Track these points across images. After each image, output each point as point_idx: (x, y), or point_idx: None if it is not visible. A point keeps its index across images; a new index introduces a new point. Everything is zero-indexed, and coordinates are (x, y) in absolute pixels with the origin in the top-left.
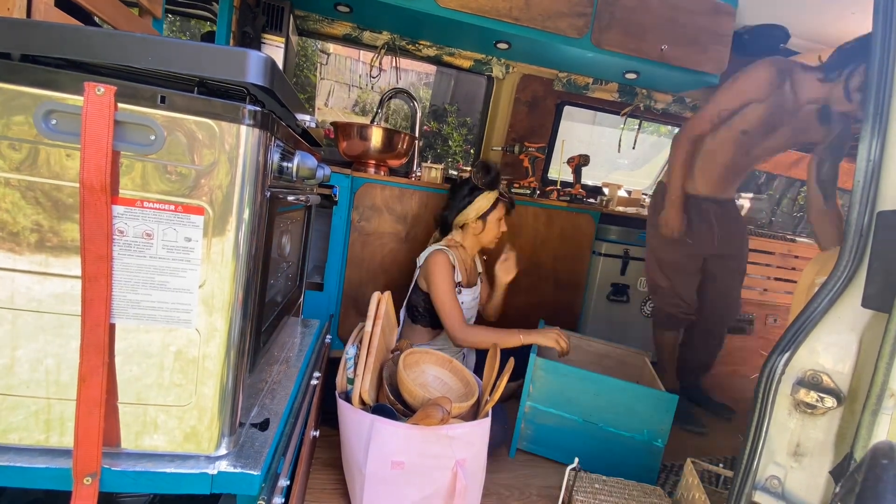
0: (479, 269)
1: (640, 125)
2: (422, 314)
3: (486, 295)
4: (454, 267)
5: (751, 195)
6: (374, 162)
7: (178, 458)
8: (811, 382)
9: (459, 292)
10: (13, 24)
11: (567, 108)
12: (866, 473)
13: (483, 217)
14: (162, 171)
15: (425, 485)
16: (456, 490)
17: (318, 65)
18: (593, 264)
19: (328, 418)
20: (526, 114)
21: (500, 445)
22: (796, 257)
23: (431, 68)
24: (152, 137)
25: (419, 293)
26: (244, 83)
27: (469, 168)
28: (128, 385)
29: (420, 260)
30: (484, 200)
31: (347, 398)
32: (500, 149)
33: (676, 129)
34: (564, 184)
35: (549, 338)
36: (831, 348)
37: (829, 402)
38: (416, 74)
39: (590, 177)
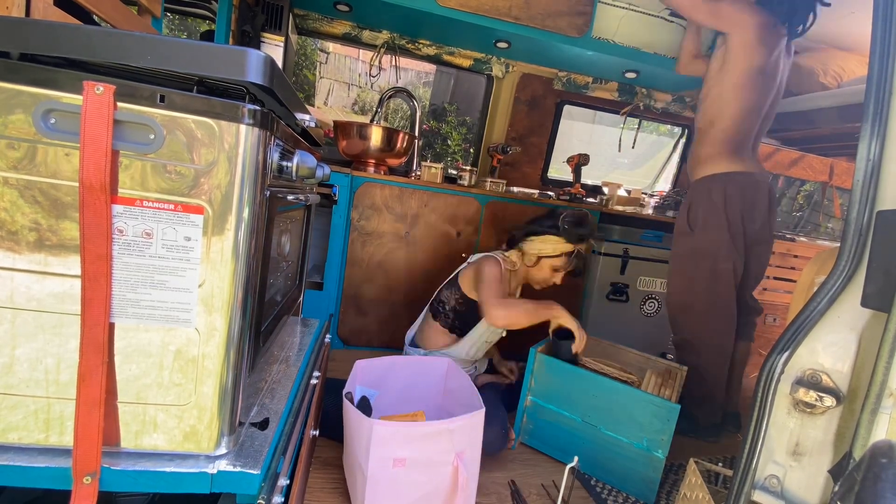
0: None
1: (639, 124)
2: (446, 313)
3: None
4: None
5: None
6: (373, 161)
7: (178, 458)
8: (810, 382)
9: None
10: (12, 23)
11: (567, 108)
12: (865, 472)
13: (542, 257)
14: (161, 171)
15: (427, 481)
16: (459, 483)
17: (318, 64)
18: (593, 263)
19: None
20: (526, 113)
21: (499, 451)
22: (796, 257)
23: (431, 67)
24: (151, 136)
25: (455, 291)
26: (244, 82)
27: (469, 167)
28: (127, 384)
29: (473, 258)
30: (551, 245)
31: (351, 399)
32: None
33: (676, 129)
34: (564, 183)
35: (573, 324)
36: (830, 348)
37: (829, 401)
38: (415, 73)
39: (589, 176)
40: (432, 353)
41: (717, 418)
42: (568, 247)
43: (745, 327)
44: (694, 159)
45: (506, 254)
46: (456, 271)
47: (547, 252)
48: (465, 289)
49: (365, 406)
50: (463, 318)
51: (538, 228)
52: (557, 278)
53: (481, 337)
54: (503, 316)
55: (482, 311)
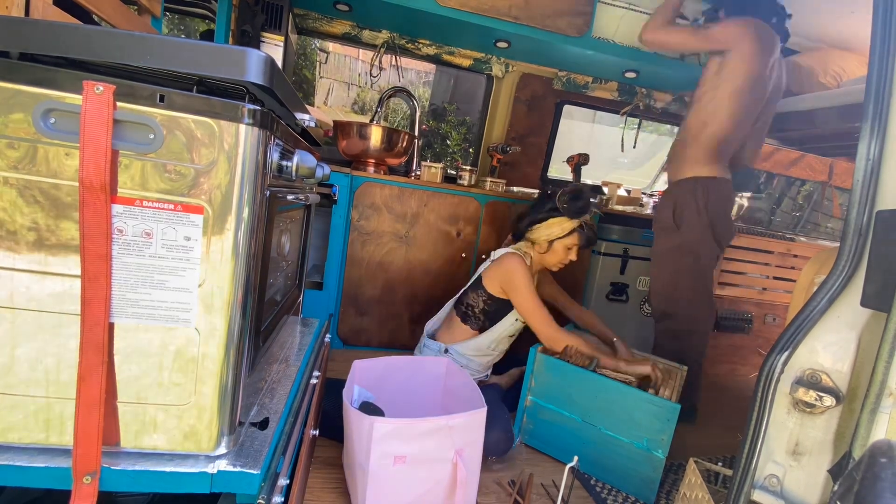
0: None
1: (639, 124)
2: (476, 316)
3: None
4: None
5: (750, 194)
6: (373, 161)
7: (178, 458)
8: (810, 381)
9: None
10: (12, 23)
11: (567, 107)
12: (865, 472)
13: (552, 241)
14: (161, 170)
15: (427, 478)
16: (458, 480)
17: (318, 63)
18: (593, 263)
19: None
20: (525, 113)
21: (503, 454)
22: (795, 256)
23: (431, 67)
24: (151, 136)
25: (482, 293)
26: (244, 82)
27: (469, 167)
28: (127, 384)
29: (495, 255)
30: (557, 227)
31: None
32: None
33: (676, 129)
34: (564, 183)
35: (644, 368)
36: (830, 347)
37: (828, 400)
38: (415, 73)
39: (589, 176)
40: (452, 348)
41: (698, 399)
42: (574, 223)
43: None
44: (680, 157)
45: (517, 246)
46: (478, 272)
47: (556, 234)
48: (492, 289)
49: (372, 410)
50: (493, 317)
51: (539, 216)
52: (573, 255)
53: (505, 332)
54: (560, 347)
55: (535, 332)
